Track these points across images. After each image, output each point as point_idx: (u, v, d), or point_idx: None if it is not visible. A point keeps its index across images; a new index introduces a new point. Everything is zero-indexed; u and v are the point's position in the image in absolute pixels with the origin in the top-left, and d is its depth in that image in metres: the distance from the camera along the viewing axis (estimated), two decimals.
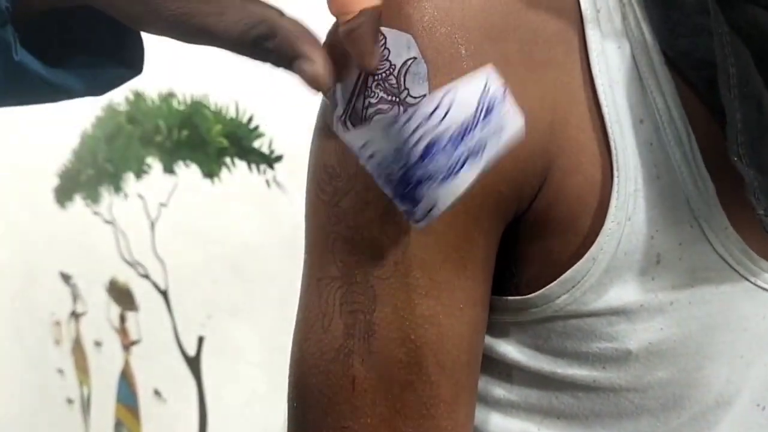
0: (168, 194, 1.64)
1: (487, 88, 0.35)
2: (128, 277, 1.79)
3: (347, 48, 0.38)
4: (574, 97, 0.43)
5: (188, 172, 1.58)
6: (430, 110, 0.35)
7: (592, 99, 0.43)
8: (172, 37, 0.40)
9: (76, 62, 0.44)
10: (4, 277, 2.10)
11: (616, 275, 0.44)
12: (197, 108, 1.53)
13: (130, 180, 1.72)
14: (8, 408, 2.17)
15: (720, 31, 0.41)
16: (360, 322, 0.42)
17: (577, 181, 0.43)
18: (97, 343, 1.93)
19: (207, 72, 1.50)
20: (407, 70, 0.41)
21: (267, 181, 1.43)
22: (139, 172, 1.69)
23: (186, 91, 1.55)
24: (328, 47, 0.39)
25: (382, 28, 0.40)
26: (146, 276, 1.74)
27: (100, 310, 1.89)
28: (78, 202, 1.87)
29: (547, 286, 0.44)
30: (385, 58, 0.41)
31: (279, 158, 1.41)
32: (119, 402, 1.90)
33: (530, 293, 0.45)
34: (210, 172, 1.53)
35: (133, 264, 1.76)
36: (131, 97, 1.66)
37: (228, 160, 1.49)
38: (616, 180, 0.43)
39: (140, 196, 1.71)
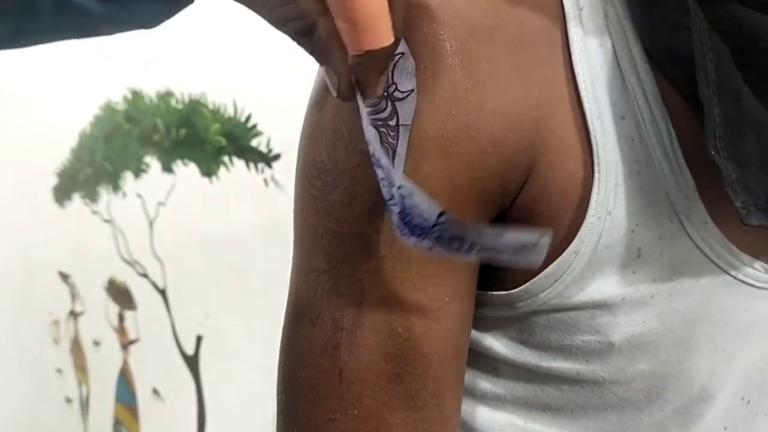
0: (166, 193, 1.64)
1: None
2: (127, 276, 1.79)
3: (354, 75, 0.40)
4: (557, 94, 0.44)
5: (186, 171, 1.58)
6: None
7: (574, 96, 0.44)
8: None
9: None
10: (2, 276, 2.10)
11: (598, 269, 0.44)
12: (195, 107, 1.53)
13: (128, 179, 1.72)
14: (7, 407, 2.17)
15: (699, 27, 0.41)
16: (348, 315, 0.42)
17: (561, 177, 0.44)
18: (96, 343, 1.93)
19: (205, 71, 1.51)
20: (395, 65, 0.42)
21: (265, 180, 1.43)
22: (138, 171, 1.69)
23: (184, 89, 1.55)
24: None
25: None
26: (145, 275, 1.74)
27: (99, 310, 1.89)
28: (76, 201, 1.88)
29: (531, 281, 0.45)
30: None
31: (277, 157, 1.41)
32: (118, 401, 1.90)
33: (514, 288, 0.46)
34: (208, 171, 1.54)
35: (131, 263, 1.77)
36: (129, 96, 1.66)
37: (226, 158, 1.49)
38: (597, 175, 0.43)
39: (139, 195, 1.71)
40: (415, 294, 0.42)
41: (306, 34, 0.40)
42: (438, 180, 0.42)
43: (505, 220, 0.45)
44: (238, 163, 1.48)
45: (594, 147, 0.43)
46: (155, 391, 1.79)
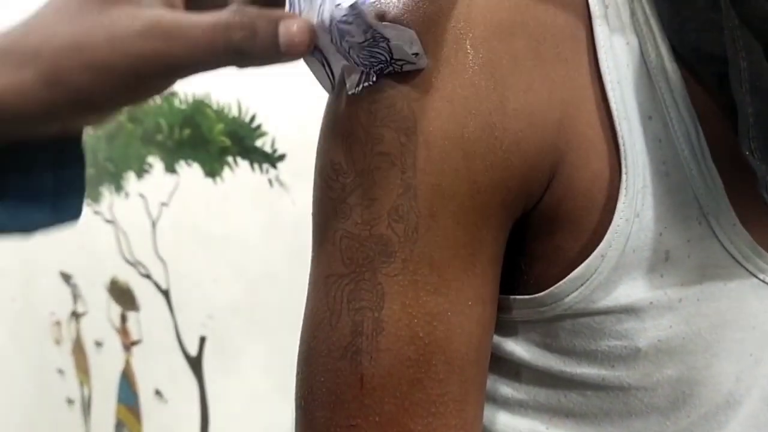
0: (169, 194, 1.63)
1: None
2: (129, 277, 1.78)
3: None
4: (582, 94, 0.43)
5: (190, 172, 1.58)
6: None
7: (600, 95, 0.43)
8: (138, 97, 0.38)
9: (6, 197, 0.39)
10: (4, 276, 2.10)
11: (625, 272, 0.43)
12: (199, 107, 1.52)
13: (131, 179, 1.72)
14: (8, 408, 2.16)
15: (731, 25, 0.40)
16: (368, 319, 0.42)
17: (586, 178, 0.43)
18: (98, 343, 1.93)
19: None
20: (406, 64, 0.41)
21: (269, 181, 1.43)
22: (140, 172, 1.69)
23: (187, 89, 1.55)
24: None
25: (386, 23, 0.40)
26: (147, 276, 1.73)
27: (101, 310, 1.88)
28: None
29: (556, 284, 0.44)
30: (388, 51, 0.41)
31: (281, 157, 1.40)
32: (120, 402, 1.90)
33: (539, 291, 0.45)
34: (212, 172, 1.53)
35: (134, 264, 1.76)
36: None
37: (230, 159, 1.49)
38: (624, 176, 0.42)
39: (141, 196, 1.70)
40: (437, 298, 0.42)
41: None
42: (460, 181, 0.41)
43: (529, 223, 0.44)
44: (242, 164, 1.47)
45: (621, 147, 0.42)
46: (158, 392, 1.78)
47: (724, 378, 0.47)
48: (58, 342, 2.04)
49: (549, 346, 0.46)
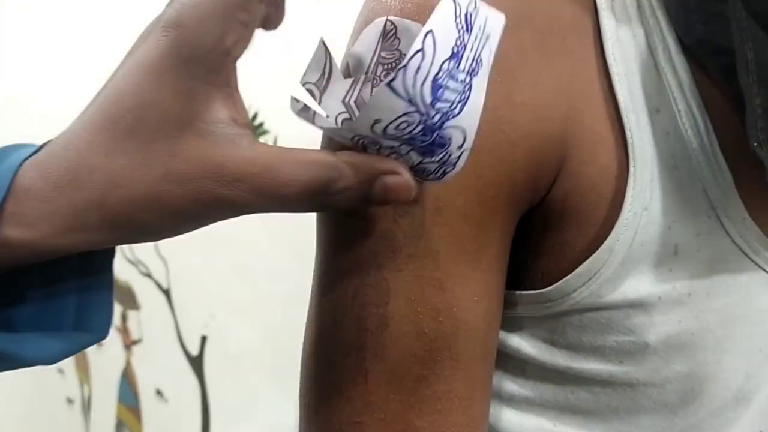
0: None
1: (458, 7, 0.35)
2: (130, 276, 1.78)
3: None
4: (589, 86, 0.42)
5: None
6: (419, 59, 0.34)
7: (607, 88, 0.43)
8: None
9: (27, 324, 0.36)
10: None
11: (633, 267, 0.43)
12: None
13: None
14: (8, 408, 2.16)
15: (737, 16, 0.40)
16: (373, 315, 0.41)
17: (593, 171, 0.42)
18: (98, 343, 1.92)
19: None
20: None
21: None
22: None
23: None
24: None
25: (393, 18, 0.39)
26: (148, 275, 1.73)
27: None
28: None
29: (563, 279, 0.43)
30: (395, 47, 0.40)
31: None
32: (120, 402, 1.89)
33: (545, 287, 0.44)
34: None
35: (135, 263, 1.75)
36: None
37: None
38: (632, 169, 0.42)
39: None
40: (443, 294, 0.41)
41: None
42: (467, 176, 0.40)
43: (535, 217, 0.44)
44: None
45: (629, 141, 0.42)
46: (158, 392, 1.78)
47: (733, 374, 0.46)
48: None
49: (555, 341, 0.46)
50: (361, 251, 0.41)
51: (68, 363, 2.02)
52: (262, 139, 1.43)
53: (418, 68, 0.33)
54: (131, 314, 1.80)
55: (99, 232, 0.33)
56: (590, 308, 0.44)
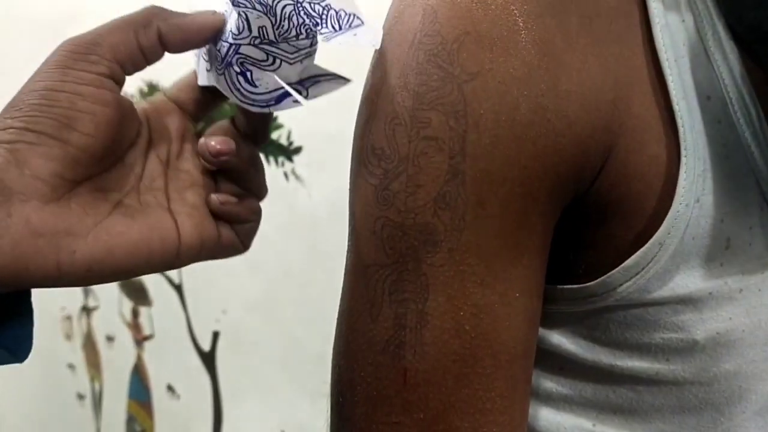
0: None
1: None
2: None
3: None
4: (637, 73, 0.41)
5: None
6: None
7: (655, 74, 0.41)
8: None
9: None
10: None
11: (683, 261, 0.41)
12: None
13: None
14: (18, 403, 2.16)
15: None
16: (411, 311, 0.40)
17: (642, 161, 0.41)
18: (109, 338, 1.91)
19: None
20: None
21: (285, 174, 1.41)
22: None
23: None
24: None
25: None
26: None
27: (113, 305, 1.87)
28: None
29: (608, 274, 0.42)
30: None
31: (298, 150, 1.38)
32: (131, 398, 1.89)
33: (589, 281, 0.43)
34: None
35: None
36: (145, 88, 1.64)
37: None
38: (684, 159, 0.40)
39: None
40: (484, 289, 0.40)
41: None
42: (510, 167, 0.39)
43: (579, 210, 0.42)
44: None
45: (680, 129, 0.40)
46: (170, 388, 1.77)
47: None
48: (68, 337, 2.03)
49: (597, 338, 0.44)
50: (398, 245, 0.40)
51: (79, 359, 2.01)
52: (275, 134, 1.42)
53: None
54: (143, 310, 1.80)
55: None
56: (636, 304, 0.42)
